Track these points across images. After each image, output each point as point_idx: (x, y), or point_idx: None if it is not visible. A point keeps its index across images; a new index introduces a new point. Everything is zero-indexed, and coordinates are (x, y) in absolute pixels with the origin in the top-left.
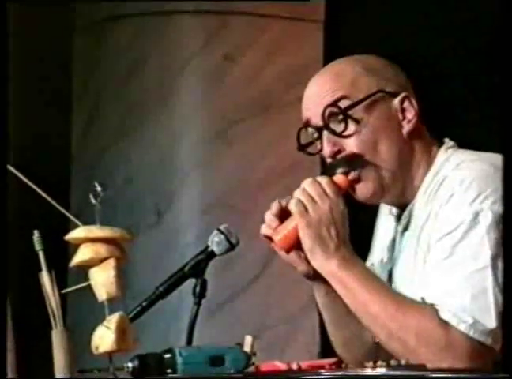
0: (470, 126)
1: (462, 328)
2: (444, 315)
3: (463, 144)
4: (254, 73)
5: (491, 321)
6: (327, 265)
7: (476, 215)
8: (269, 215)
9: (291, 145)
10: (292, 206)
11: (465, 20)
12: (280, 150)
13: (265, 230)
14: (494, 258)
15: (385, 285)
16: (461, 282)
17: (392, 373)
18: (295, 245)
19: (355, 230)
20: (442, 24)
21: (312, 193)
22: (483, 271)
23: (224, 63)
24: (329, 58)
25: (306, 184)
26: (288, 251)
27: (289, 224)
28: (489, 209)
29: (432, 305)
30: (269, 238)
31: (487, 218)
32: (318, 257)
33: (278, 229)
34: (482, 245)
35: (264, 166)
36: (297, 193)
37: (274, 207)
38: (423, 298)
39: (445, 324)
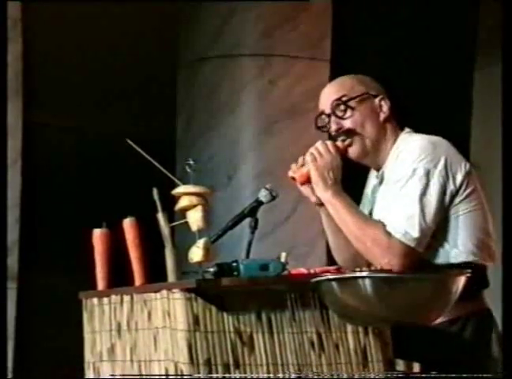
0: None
1: (398, 236)
2: (388, 228)
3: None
4: (286, 91)
5: (415, 233)
6: (325, 194)
7: (414, 170)
8: (292, 165)
9: (308, 137)
10: (307, 156)
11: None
12: (301, 140)
13: (290, 173)
14: (421, 196)
15: (358, 210)
16: (399, 210)
17: (373, 275)
18: (307, 181)
19: (355, 187)
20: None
21: (321, 149)
22: (413, 204)
23: (268, 85)
24: None
25: (318, 144)
26: (302, 184)
27: (304, 168)
28: (422, 167)
29: (382, 222)
30: (293, 178)
31: (420, 172)
32: (319, 188)
33: (297, 171)
34: (415, 189)
35: (292, 149)
36: (311, 149)
37: (293, 166)
38: (379, 220)
39: (388, 234)
